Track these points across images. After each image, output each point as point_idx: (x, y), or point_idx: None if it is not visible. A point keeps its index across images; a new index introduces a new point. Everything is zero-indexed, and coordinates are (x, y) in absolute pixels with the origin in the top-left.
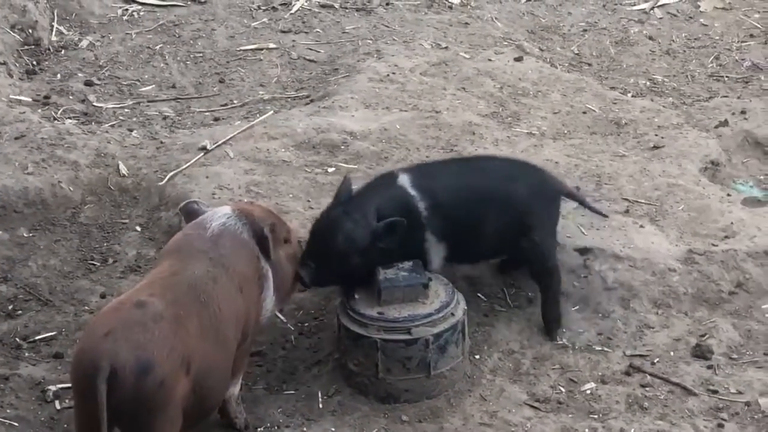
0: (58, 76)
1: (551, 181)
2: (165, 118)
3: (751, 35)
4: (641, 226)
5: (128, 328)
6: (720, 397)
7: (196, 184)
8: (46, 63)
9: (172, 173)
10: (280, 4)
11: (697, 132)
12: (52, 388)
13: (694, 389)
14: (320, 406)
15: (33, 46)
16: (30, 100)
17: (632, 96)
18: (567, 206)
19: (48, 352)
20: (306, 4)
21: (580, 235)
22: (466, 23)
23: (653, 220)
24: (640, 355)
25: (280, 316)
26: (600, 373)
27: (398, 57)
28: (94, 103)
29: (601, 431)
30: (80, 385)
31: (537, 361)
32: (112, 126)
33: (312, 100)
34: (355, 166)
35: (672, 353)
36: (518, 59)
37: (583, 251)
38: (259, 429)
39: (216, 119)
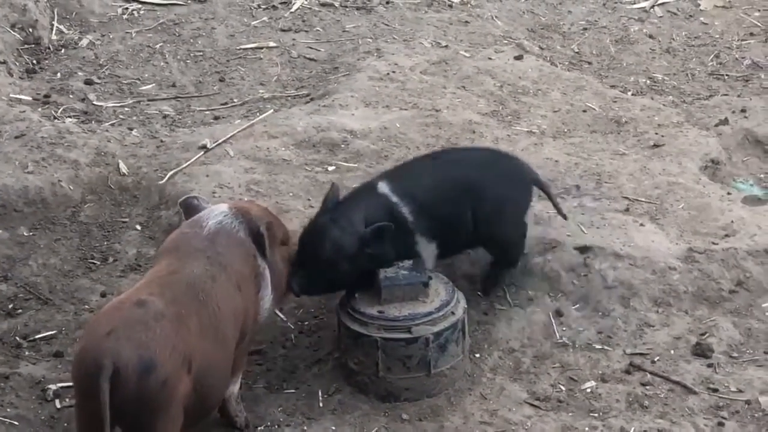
0: (59, 74)
1: (524, 169)
2: (165, 116)
3: (752, 33)
4: (641, 225)
5: (130, 326)
6: (720, 395)
7: (197, 182)
8: (47, 62)
9: (172, 172)
10: (280, 3)
11: (698, 130)
12: (53, 387)
13: (694, 388)
14: (320, 404)
15: (33, 45)
16: (30, 98)
17: (632, 94)
18: (566, 205)
19: (48, 350)
20: (306, 2)
21: (580, 234)
22: (467, 22)
23: (653, 219)
24: (641, 354)
25: (280, 314)
26: (600, 372)
27: (398, 55)
28: (94, 102)
29: (601, 430)
30: (82, 384)
31: (537, 359)
32: (113, 125)
33: (312, 99)
34: (356, 165)
35: (672, 352)
36: (518, 58)
37: (583, 249)
38: (259, 428)
39: (216, 118)
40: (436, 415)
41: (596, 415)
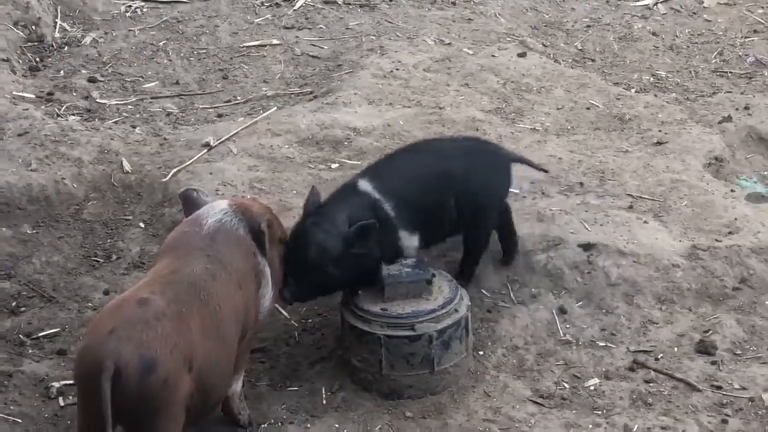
0: (62, 72)
1: (501, 152)
2: (168, 114)
3: (755, 31)
4: (645, 222)
5: (131, 326)
6: (724, 392)
7: (200, 180)
8: (50, 59)
9: (175, 170)
10: (284, 1)
11: (701, 127)
12: (56, 384)
13: (698, 385)
14: (324, 402)
15: (36, 43)
16: (33, 96)
17: (636, 92)
18: (570, 202)
19: (51, 348)
20: (309, 0)
21: (583, 231)
22: (470, 19)
23: (657, 216)
24: (644, 351)
25: (283, 312)
26: (604, 369)
27: (401, 53)
28: (98, 100)
29: (605, 427)
30: (84, 383)
31: (541, 357)
32: (116, 122)
33: (315, 97)
34: (359, 162)
35: (676, 349)
36: (522, 55)
37: (587, 247)
38: (262, 425)
39: (219, 116)
40: (440, 412)
41: (600, 412)
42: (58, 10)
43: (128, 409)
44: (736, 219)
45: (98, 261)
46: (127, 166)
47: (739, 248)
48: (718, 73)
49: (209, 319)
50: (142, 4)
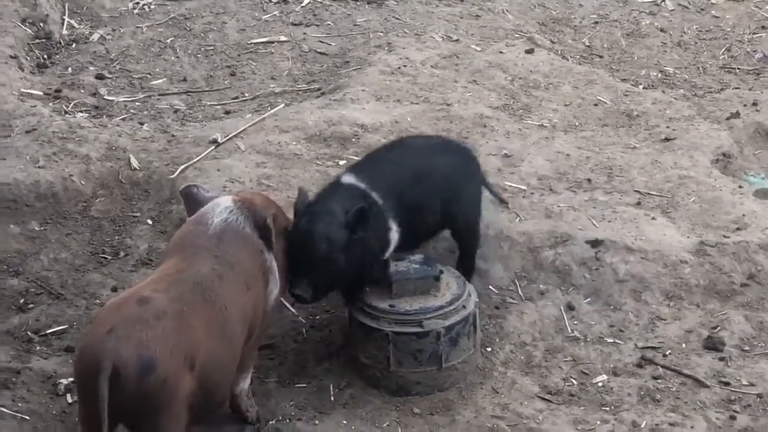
0: (69, 69)
1: (473, 154)
2: (176, 111)
3: (763, 27)
4: (653, 218)
5: (130, 325)
6: (732, 389)
7: (207, 177)
8: (57, 56)
9: (183, 166)
10: None
11: (709, 124)
12: (64, 381)
13: (706, 381)
14: (332, 399)
15: (44, 40)
16: (41, 93)
17: (644, 88)
18: (578, 198)
19: (59, 345)
20: None
21: (591, 227)
22: (477, 16)
23: (665, 212)
24: (652, 347)
25: (291, 309)
26: (612, 366)
27: (409, 50)
28: (105, 97)
29: (612, 423)
30: (82, 382)
31: (549, 353)
32: (123, 119)
33: (323, 93)
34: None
35: (684, 345)
36: (529, 51)
37: (595, 243)
38: (270, 422)
39: (227, 112)
40: (448, 409)
41: (608, 408)
42: (66, 7)
43: (128, 408)
44: (744, 215)
45: (106, 258)
46: (134, 163)
47: (747, 244)
48: (726, 70)
49: (214, 319)
50: (150, 1)
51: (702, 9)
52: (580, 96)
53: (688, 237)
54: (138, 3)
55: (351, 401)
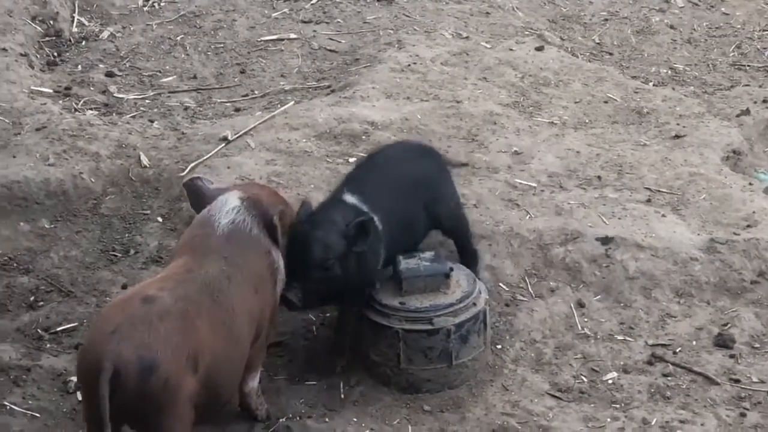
0: (79, 67)
1: (440, 152)
2: (186, 108)
3: None
4: (663, 216)
5: (133, 325)
6: (742, 386)
7: (218, 174)
8: (67, 54)
9: (193, 164)
10: None
11: (719, 121)
12: (74, 379)
13: (716, 378)
14: (342, 396)
15: (54, 38)
16: (51, 91)
17: (654, 85)
18: (588, 196)
19: (69, 343)
20: None
21: (601, 224)
22: (487, 13)
23: (675, 210)
24: (663, 345)
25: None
26: (622, 363)
27: (419, 47)
28: (115, 94)
29: (623, 421)
30: (84, 381)
31: (559, 350)
32: (133, 117)
33: (333, 91)
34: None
35: (694, 342)
36: (539, 49)
37: (605, 240)
38: (281, 419)
39: (237, 110)
40: (458, 406)
41: (618, 406)
42: (76, 5)
43: (131, 408)
44: (754, 212)
45: (116, 255)
46: (144, 161)
47: (758, 241)
48: (736, 67)
49: (221, 320)
50: None
51: (712, 6)
52: (590, 93)
53: (698, 234)
54: (148, 1)
55: (361, 399)
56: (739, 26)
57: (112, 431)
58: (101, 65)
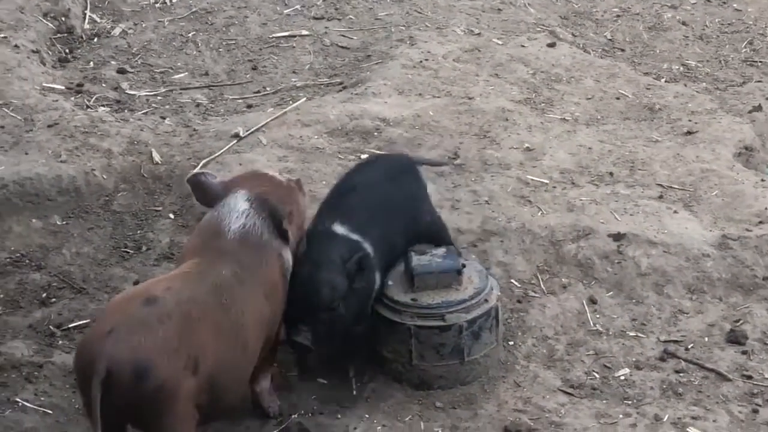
0: (91, 63)
1: (411, 158)
2: (198, 105)
3: None
4: (675, 212)
5: (131, 327)
6: (755, 382)
7: (229, 171)
8: (79, 51)
9: (205, 161)
10: None
11: (731, 117)
12: None
13: (728, 375)
14: (354, 392)
15: (66, 34)
16: (63, 88)
17: (666, 81)
18: (600, 192)
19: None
20: None
21: (613, 221)
22: (499, 9)
23: (687, 206)
24: (675, 341)
25: None
26: (634, 359)
27: (431, 43)
28: (127, 91)
29: (635, 417)
30: (79, 380)
31: (571, 347)
32: (145, 113)
33: (345, 87)
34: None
35: (706, 339)
36: (551, 45)
37: (617, 237)
38: (293, 416)
39: (249, 106)
40: (470, 402)
41: (630, 402)
42: (88, 2)
43: (128, 409)
44: (766, 208)
45: (128, 252)
46: (156, 157)
47: None
48: (748, 63)
49: (229, 323)
50: None
51: (724, 2)
52: (602, 89)
53: (710, 230)
54: None
55: (373, 395)
56: (751, 22)
57: (116, 430)
58: (113, 62)
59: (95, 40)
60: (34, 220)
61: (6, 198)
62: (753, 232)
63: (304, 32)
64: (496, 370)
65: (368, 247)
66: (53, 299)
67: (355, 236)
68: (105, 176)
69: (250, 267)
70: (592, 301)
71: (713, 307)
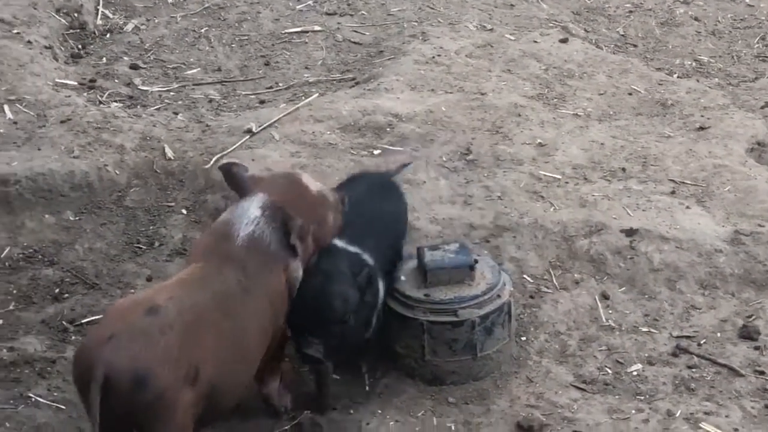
0: (104, 59)
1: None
2: (210, 101)
3: None
4: (687, 207)
5: (132, 336)
6: (767, 378)
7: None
8: (92, 47)
9: (217, 156)
10: None
11: (744, 113)
12: None
13: (741, 370)
14: (367, 388)
15: (78, 30)
16: (75, 83)
17: (678, 77)
18: (612, 187)
19: None
20: None
21: (626, 216)
22: (512, 5)
23: (699, 201)
24: (687, 337)
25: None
26: (647, 355)
27: (443, 39)
28: (140, 87)
29: (647, 412)
30: (77, 383)
31: (583, 342)
32: (158, 109)
33: (357, 83)
34: (401, 149)
35: (719, 334)
36: (563, 41)
37: (630, 232)
38: (306, 411)
39: (261, 102)
40: (483, 398)
41: (643, 397)
42: None
43: (127, 417)
44: None
45: (141, 248)
46: (169, 153)
47: None
48: (760, 58)
49: (230, 332)
50: None
51: None
52: (615, 85)
53: (722, 226)
54: None
55: (386, 390)
56: (763, 18)
57: None
58: (126, 57)
59: (108, 35)
60: (46, 216)
61: (19, 193)
62: (765, 227)
63: (317, 28)
64: (509, 366)
65: (369, 259)
66: (66, 295)
67: (353, 249)
68: (118, 172)
69: (255, 275)
70: (605, 297)
71: (726, 302)
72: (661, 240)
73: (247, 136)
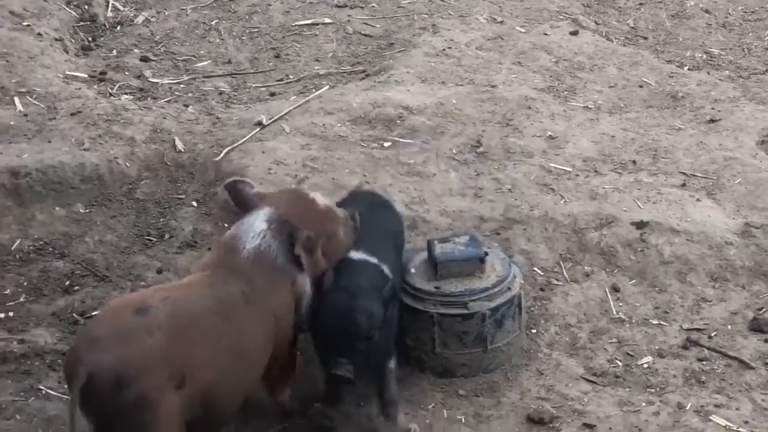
0: (114, 52)
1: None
2: (221, 93)
3: None
4: (698, 200)
5: (117, 337)
6: None
7: (252, 159)
8: (102, 39)
9: (228, 148)
10: None
11: (754, 105)
12: None
13: (751, 363)
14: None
15: (89, 22)
16: (86, 76)
17: (688, 69)
18: (623, 180)
19: None
20: None
21: (636, 209)
22: None
23: (710, 194)
24: (698, 329)
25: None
26: (657, 347)
27: (454, 31)
28: (150, 79)
29: (658, 405)
30: (66, 381)
31: (594, 334)
32: (168, 101)
33: (368, 75)
34: (411, 141)
35: (729, 327)
36: (574, 33)
37: (640, 225)
38: (316, 404)
39: (272, 94)
40: (493, 390)
41: (653, 390)
42: None
43: (110, 418)
44: None
45: (151, 240)
46: (179, 145)
47: None
48: None
49: (229, 340)
50: None
51: None
52: (625, 77)
53: (733, 218)
54: None
55: (396, 383)
56: None
57: None
58: (136, 50)
59: (118, 28)
60: (57, 208)
61: (29, 186)
62: None
63: (327, 20)
64: (519, 358)
65: (387, 270)
66: (76, 287)
67: (374, 260)
68: (128, 164)
69: (260, 288)
70: (615, 289)
71: (736, 295)
72: (671, 232)
73: (258, 129)
